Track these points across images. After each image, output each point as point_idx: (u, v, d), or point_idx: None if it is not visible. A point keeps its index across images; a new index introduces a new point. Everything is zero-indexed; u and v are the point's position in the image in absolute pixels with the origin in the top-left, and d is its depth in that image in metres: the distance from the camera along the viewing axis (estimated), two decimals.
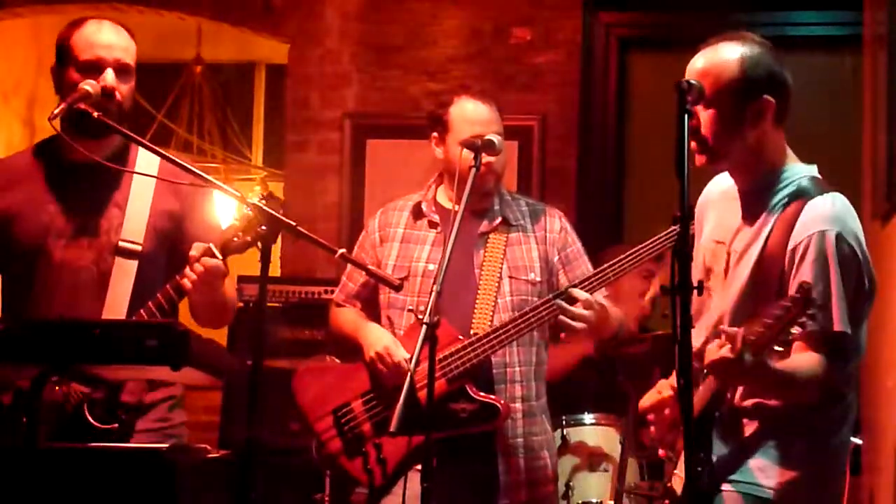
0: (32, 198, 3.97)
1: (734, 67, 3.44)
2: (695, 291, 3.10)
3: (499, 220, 4.67)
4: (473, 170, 4.29)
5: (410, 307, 4.50)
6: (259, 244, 3.46)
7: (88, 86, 3.79)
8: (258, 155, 10.04)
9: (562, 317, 4.36)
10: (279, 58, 7.70)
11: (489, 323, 4.51)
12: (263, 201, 3.46)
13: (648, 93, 7.04)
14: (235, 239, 3.67)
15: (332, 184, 7.09)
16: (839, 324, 3.33)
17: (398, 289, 4.02)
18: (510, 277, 4.60)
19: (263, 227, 3.40)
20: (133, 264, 3.92)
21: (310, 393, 4.65)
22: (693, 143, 3.43)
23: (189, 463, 3.56)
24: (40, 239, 3.92)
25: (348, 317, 4.75)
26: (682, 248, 3.08)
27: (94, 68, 3.86)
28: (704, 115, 3.42)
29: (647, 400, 3.70)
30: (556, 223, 4.73)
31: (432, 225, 4.68)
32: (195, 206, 4.03)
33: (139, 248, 3.93)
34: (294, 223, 3.46)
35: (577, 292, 4.36)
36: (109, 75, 3.86)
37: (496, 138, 4.40)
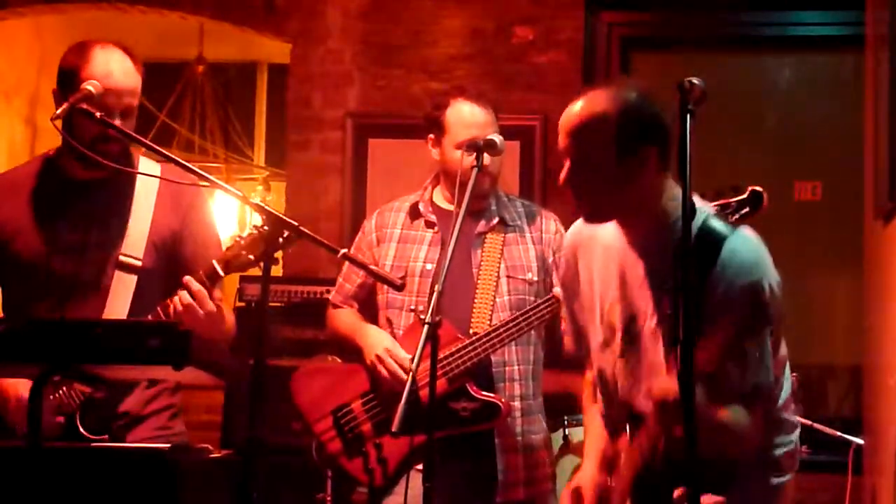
0: (33, 212, 3.98)
1: (604, 123, 3.31)
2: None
3: (496, 220, 4.69)
4: (475, 170, 4.30)
5: (412, 307, 4.52)
6: (261, 264, 3.47)
7: (91, 86, 3.79)
8: (260, 154, 10.05)
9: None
10: (281, 57, 7.70)
11: (488, 322, 4.53)
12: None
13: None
14: (239, 256, 3.69)
15: (334, 183, 7.09)
16: (755, 376, 3.25)
17: (400, 288, 4.02)
18: (508, 277, 4.62)
19: (266, 227, 3.40)
20: (132, 279, 3.94)
21: (308, 394, 4.67)
22: (572, 196, 3.32)
23: (191, 463, 3.57)
24: (41, 253, 3.94)
25: (346, 319, 4.76)
26: (684, 250, 3.07)
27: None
28: (578, 175, 3.32)
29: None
30: (552, 225, 4.76)
31: (429, 225, 4.70)
32: (194, 220, 4.05)
33: (139, 262, 3.95)
34: (296, 223, 3.47)
35: None
36: (117, 122, 3.80)
37: (498, 138, 4.41)
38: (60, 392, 3.81)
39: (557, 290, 4.38)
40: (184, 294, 3.76)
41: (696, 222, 3.23)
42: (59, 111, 3.73)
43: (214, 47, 9.36)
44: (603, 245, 3.48)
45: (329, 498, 5.94)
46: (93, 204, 3.98)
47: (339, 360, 5.34)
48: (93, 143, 3.81)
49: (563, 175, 3.33)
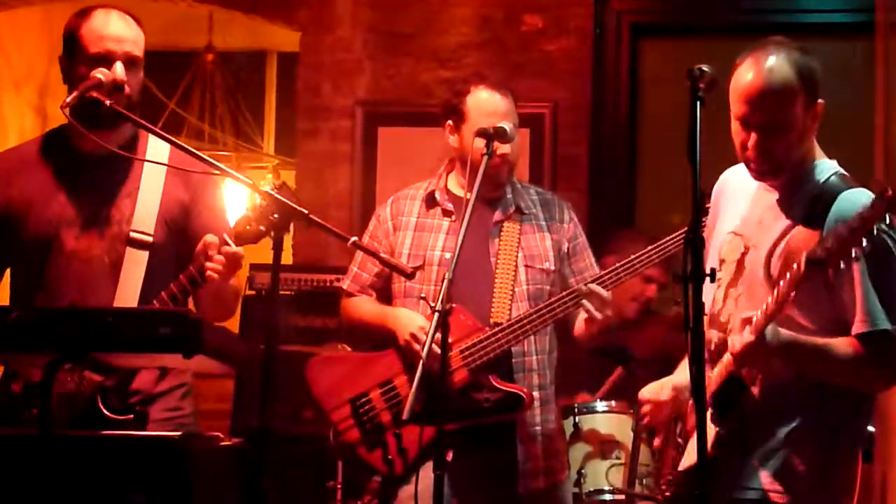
0: (43, 188, 3.97)
1: (795, 83, 3.44)
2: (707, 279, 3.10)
3: (512, 209, 4.67)
4: (485, 157, 4.29)
5: (423, 295, 4.50)
6: (271, 233, 3.46)
7: (101, 74, 3.79)
8: (270, 143, 10.05)
9: (587, 304, 4.38)
10: (291, 46, 7.69)
11: (508, 312, 4.52)
12: (276, 190, 3.46)
13: (660, 79, 7.02)
14: (248, 228, 3.66)
15: (344, 172, 7.09)
16: (885, 322, 3.35)
17: (410, 276, 4.03)
18: (526, 266, 4.61)
19: (276, 216, 3.40)
20: (144, 254, 3.93)
21: (324, 382, 4.65)
22: (754, 163, 3.46)
23: (201, 451, 3.57)
24: (52, 229, 3.92)
25: (368, 306, 4.73)
26: (695, 236, 3.08)
27: (104, 61, 3.85)
28: (775, 139, 3.43)
29: (647, 392, 3.75)
30: (566, 213, 4.75)
31: (446, 213, 4.68)
32: (204, 195, 4.03)
33: (150, 238, 3.94)
34: (306, 211, 3.46)
35: (599, 289, 4.39)
36: (119, 69, 3.85)
37: (508, 126, 4.40)
38: (73, 380, 3.82)
39: (583, 286, 4.41)
40: (216, 255, 3.73)
41: (821, 177, 3.49)
42: (68, 99, 3.73)
43: (224, 36, 9.35)
44: (736, 180, 3.65)
45: (340, 486, 5.94)
46: (103, 178, 3.98)
47: (349, 349, 5.35)
48: (108, 93, 3.79)
49: (752, 144, 3.44)
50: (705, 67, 3.25)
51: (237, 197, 9.24)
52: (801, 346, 3.34)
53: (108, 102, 3.72)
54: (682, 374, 3.68)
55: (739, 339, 3.29)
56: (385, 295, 4.73)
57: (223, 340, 3.44)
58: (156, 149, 4.01)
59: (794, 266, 3.19)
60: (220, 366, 3.51)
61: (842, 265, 3.12)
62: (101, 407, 3.80)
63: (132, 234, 3.93)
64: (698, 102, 3.18)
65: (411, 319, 4.53)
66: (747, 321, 3.29)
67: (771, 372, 3.43)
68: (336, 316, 4.95)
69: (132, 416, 3.83)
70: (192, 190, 4.01)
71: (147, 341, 3.18)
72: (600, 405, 5.43)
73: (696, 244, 3.08)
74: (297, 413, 5.99)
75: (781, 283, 3.23)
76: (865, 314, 3.35)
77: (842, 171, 3.54)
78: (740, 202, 3.62)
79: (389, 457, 4.51)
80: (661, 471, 3.83)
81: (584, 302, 4.39)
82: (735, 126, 3.49)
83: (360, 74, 7.12)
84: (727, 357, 3.41)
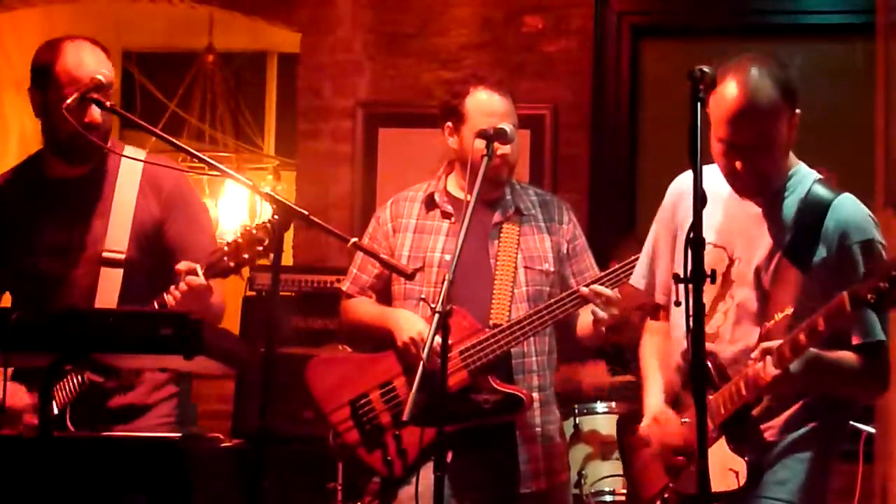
0: (18, 215, 4.02)
1: (779, 101, 3.41)
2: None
3: (512, 210, 4.67)
4: (485, 159, 4.29)
5: (423, 296, 4.50)
6: (241, 272, 3.57)
7: (100, 75, 3.81)
8: (270, 144, 10.04)
9: (595, 308, 4.37)
10: (291, 47, 7.70)
11: (507, 313, 4.52)
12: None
13: (661, 80, 7.02)
14: (221, 260, 3.72)
15: (345, 173, 7.09)
16: (880, 333, 3.40)
17: (410, 277, 4.03)
18: (525, 267, 4.61)
19: (276, 217, 3.41)
20: (118, 272, 3.97)
21: (324, 383, 4.64)
22: (741, 182, 3.45)
23: (202, 452, 3.58)
24: (29, 255, 3.99)
25: (368, 307, 4.73)
26: (696, 237, 3.08)
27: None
28: (765, 156, 3.42)
29: (653, 433, 3.74)
30: (565, 215, 4.74)
31: (446, 215, 4.67)
32: (176, 210, 4.07)
33: (122, 256, 3.97)
34: (306, 212, 3.47)
35: (602, 289, 4.38)
36: (95, 111, 3.87)
37: (508, 127, 4.39)
38: (65, 381, 3.85)
39: (584, 288, 4.40)
40: (180, 283, 3.77)
41: (804, 185, 3.46)
42: (69, 100, 3.75)
43: (224, 37, 9.35)
44: (714, 191, 3.52)
45: (340, 487, 5.94)
46: (75, 202, 4.03)
47: (349, 350, 5.34)
48: (72, 137, 3.84)
49: (741, 165, 3.41)
50: (706, 68, 3.25)
51: (237, 199, 9.28)
52: (821, 361, 3.34)
53: (108, 104, 3.73)
54: (655, 398, 3.73)
55: (763, 370, 3.30)
56: (385, 296, 4.73)
57: (224, 342, 3.44)
58: (132, 154, 4.04)
59: (837, 304, 3.15)
60: (220, 367, 3.51)
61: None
62: (68, 421, 3.83)
63: (105, 254, 3.98)
64: (699, 103, 3.18)
65: (410, 321, 4.53)
66: (768, 351, 3.29)
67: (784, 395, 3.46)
68: (336, 317, 4.95)
69: (90, 433, 3.84)
70: (165, 205, 4.05)
71: (148, 342, 3.19)
72: (600, 406, 5.44)
73: (696, 245, 3.08)
74: (298, 414, 5.98)
75: (819, 317, 3.21)
76: (866, 326, 3.38)
77: (819, 175, 3.54)
78: (711, 210, 3.52)
79: (389, 458, 4.51)
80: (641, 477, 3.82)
81: (595, 309, 4.39)
82: (717, 147, 3.47)
83: (361, 75, 7.12)
84: (741, 384, 3.42)
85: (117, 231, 3.98)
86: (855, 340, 3.38)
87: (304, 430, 5.94)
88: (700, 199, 3.11)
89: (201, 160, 3.69)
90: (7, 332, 3.18)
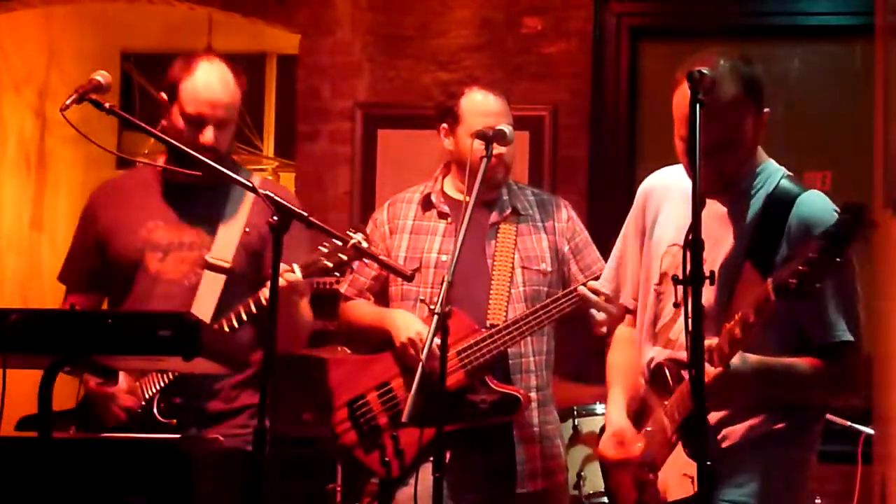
0: (136, 214, 4.16)
1: (742, 97, 3.35)
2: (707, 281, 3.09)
3: (509, 210, 4.68)
4: (484, 160, 4.29)
5: (422, 297, 4.51)
6: (337, 273, 3.78)
7: (100, 76, 3.81)
8: (269, 145, 10.04)
9: (592, 310, 4.37)
10: (290, 48, 7.69)
11: (504, 313, 4.53)
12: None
13: (660, 82, 7.01)
14: (318, 261, 3.84)
15: (344, 174, 7.09)
16: (846, 333, 3.33)
17: (409, 279, 4.04)
18: (523, 268, 4.62)
19: (276, 217, 3.42)
20: (221, 278, 4.06)
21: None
22: (710, 182, 3.33)
23: (202, 453, 3.58)
24: (138, 252, 4.11)
25: (366, 308, 4.74)
26: (695, 238, 3.08)
27: (197, 122, 4.06)
28: (733, 153, 3.38)
29: (608, 450, 3.68)
30: (563, 213, 4.74)
31: (442, 216, 4.69)
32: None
33: (227, 264, 4.07)
34: (305, 213, 3.48)
35: (596, 286, 4.37)
36: (209, 133, 4.04)
37: (507, 128, 4.40)
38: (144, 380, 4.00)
39: (581, 288, 4.40)
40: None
41: (772, 181, 3.41)
42: (68, 101, 3.74)
43: (223, 38, 9.33)
44: (680, 191, 3.50)
45: (339, 488, 5.94)
46: (188, 206, 4.14)
47: (348, 352, 5.35)
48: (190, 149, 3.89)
49: (702, 164, 3.21)
50: (705, 70, 3.23)
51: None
52: (770, 368, 3.29)
53: (107, 105, 3.73)
54: (616, 413, 3.69)
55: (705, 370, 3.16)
56: (382, 298, 4.75)
57: (223, 343, 3.45)
58: (247, 177, 4.11)
59: (762, 293, 3.10)
60: (220, 368, 3.52)
61: (816, 286, 3.01)
62: (155, 412, 3.96)
63: (210, 260, 4.07)
64: (698, 105, 3.17)
65: (408, 322, 4.54)
66: (708, 349, 3.18)
67: (738, 404, 3.38)
68: (335, 318, 4.95)
69: (175, 421, 3.96)
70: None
71: (147, 343, 3.20)
72: (600, 407, 5.43)
73: (695, 245, 3.08)
74: (298, 415, 5.99)
75: (749, 309, 3.14)
76: (827, 326, 3.32)
77: (788, 172, 3.50)
78: (677, 211, 3.54)
79: (387, 459, 4.52)
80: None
81: (592, 310, 4.38)
82: (679, 146, 3.43)
83: (360, 77, 7.12)
84: (683, 387, 3.37)
85: (225, 239, 4.10)
86: (815, 342, 3.33)
87: (304, 431, 5.95)
88: (700, 200, 3.10)
89: (201, 161, 3.69)
90: (6, 332, 3.19)
